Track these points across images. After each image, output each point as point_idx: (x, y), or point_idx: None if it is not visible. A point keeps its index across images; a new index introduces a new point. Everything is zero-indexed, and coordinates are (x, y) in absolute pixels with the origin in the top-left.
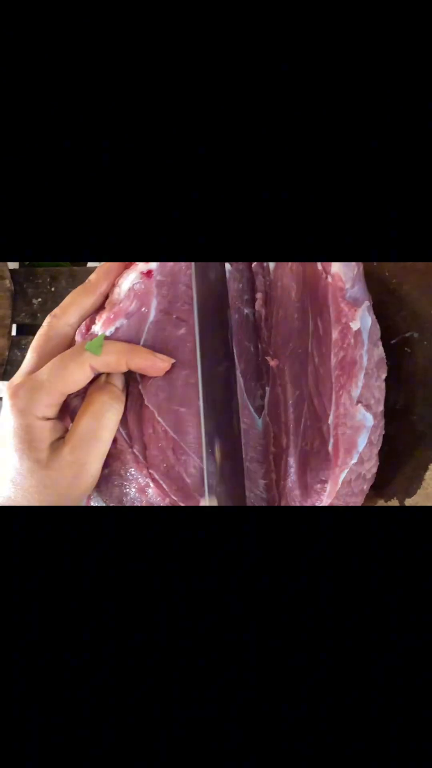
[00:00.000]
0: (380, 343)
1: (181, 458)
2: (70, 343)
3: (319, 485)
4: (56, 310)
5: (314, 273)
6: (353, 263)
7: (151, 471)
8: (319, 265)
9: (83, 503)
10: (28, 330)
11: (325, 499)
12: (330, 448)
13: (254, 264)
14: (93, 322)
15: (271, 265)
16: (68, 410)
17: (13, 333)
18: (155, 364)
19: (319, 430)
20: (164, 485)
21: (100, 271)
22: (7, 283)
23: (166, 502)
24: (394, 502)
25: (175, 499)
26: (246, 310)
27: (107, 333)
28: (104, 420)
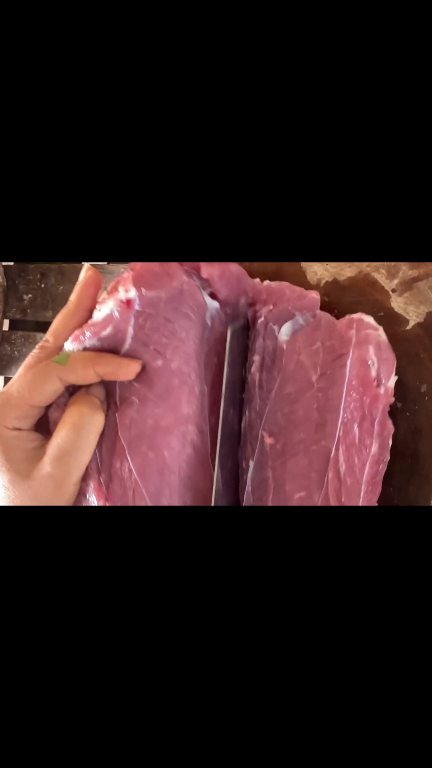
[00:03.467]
0: None
1: (138, 504)
2: None
3: None
4: (47, 336)
5: (365, 376)
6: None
7: (108, 504)
8: (373, 371)
9: None
10: (19, 325)
11: None
12: None
13: (259, 322)
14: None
15: (284, 333)
16: (48, 422)
17: (5, 328)
18: (122, 367)
19: None
20: None
21: (78, 289)
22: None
23: None
24: None
25: None
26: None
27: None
28: (84, 431)
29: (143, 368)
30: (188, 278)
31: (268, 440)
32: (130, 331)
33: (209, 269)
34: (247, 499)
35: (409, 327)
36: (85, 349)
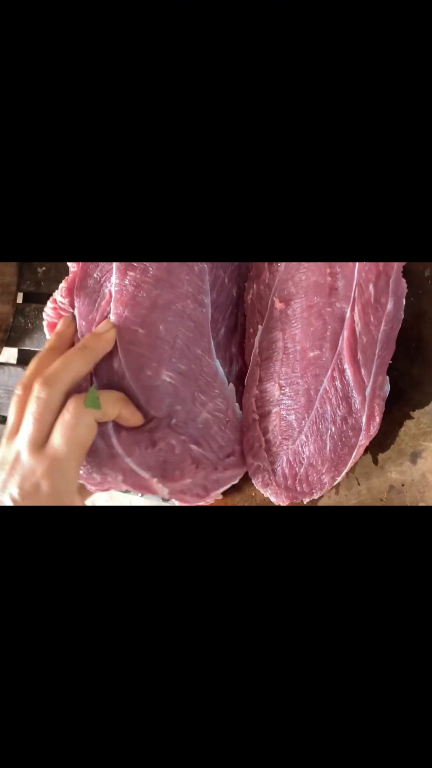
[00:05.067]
0: None
1: (124, 382)
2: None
3: (346, 450)
4: (35, 384)
5: None
6: None
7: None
8: None
9: None
10: (33, 298)
11: (349, 465)
12: (364, 418)
13: None
14: None
15: None
16: None
17: (19, 301)
18: (133, 420)
19: (346, 399)
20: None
21: (54, 337)
22: None
23: None
24: (367, 457)
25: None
26: None
27: None
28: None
29: None
30: None
31: (279, 305)
32: None
33: None
34: (254, 360)
35: None
36: None
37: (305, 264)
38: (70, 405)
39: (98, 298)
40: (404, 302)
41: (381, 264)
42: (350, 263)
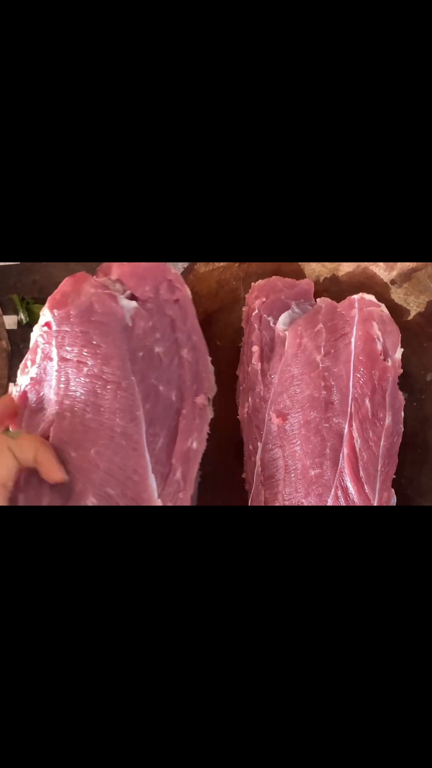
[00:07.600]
0: None
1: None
2: None
3: None
4: None
5: (372, 351)
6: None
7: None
8: (379, 345)
9: None
10: None
11: None
12: None
13: (253, 315)
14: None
15: (282, 323)
16: None
17: (11, 391)
18: (52, 469)
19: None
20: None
21: None
22: (3, 343)
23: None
24: None
25: None
26: (157, 349)
27: (25, 382)
28: None
29: (72, 381)
30: (97, 289)
31: (276, 421)
32: (54, 351)
33: (118, 270)
34: (257, 479)
35: (410, 317)
36: (32, 379)
37: (298, 376)
38: None
39: (41, 422)
40: (403, 414)
41: (376, 378)
42: (344, 376)
